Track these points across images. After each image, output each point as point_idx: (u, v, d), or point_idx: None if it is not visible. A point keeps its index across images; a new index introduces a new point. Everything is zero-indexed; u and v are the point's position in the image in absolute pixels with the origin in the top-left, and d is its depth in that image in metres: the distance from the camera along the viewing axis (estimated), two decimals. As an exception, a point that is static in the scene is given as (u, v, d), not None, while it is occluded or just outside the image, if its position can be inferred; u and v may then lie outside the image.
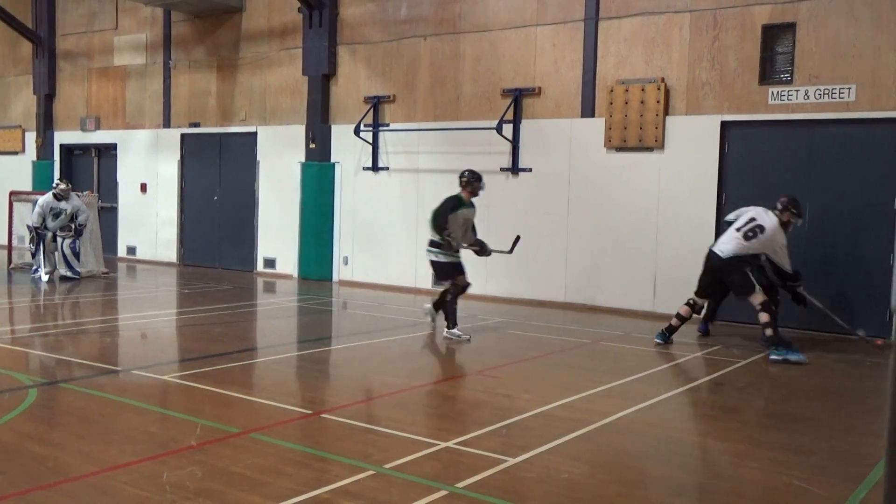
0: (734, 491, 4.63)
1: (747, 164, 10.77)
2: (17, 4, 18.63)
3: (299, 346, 9.22)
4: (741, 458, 5.22)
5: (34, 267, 13.99)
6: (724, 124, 10.86)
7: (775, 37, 10.56)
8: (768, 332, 8.50)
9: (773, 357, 8.39)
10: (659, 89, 11.17)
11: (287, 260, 15.18)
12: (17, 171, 19.26)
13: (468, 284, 9.58)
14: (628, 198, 11.48)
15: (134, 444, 5.15)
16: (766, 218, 8.78)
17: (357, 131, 13.90)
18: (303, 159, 14.79)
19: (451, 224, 9.34)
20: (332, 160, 14.55)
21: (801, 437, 5.86)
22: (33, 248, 13.95)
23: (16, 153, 19.77)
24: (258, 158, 15.60)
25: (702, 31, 10.98)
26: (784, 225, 8.80)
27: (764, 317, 8.50)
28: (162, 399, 6.52)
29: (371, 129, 13.99)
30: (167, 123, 17.01)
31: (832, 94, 10.12)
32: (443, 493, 4.37)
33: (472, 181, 9.51)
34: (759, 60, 10.59)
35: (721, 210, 10.91)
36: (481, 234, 9.68)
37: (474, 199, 9.66)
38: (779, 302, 9.23)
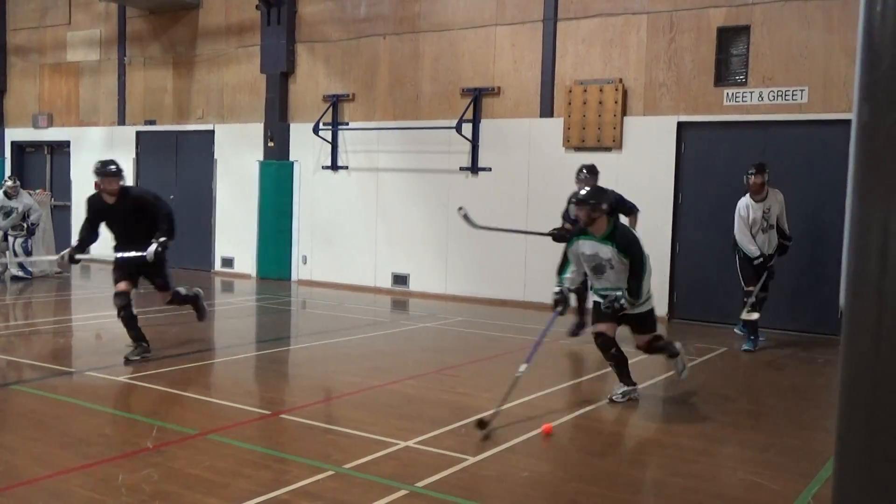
0: (691, 487, 4.70)
1: (703, 164, 10.93)
2: (-35, -2, 18.22)
3: (258, 347, 9.15)
4: (697, 455, 5.30)
5: (-16, 267, 13.69)
6: (680, 125, 11.00)
7: (730, 39, 10.72)
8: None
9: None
10: (617, 90, 11.28)
11: (245, 259, 15.04)
12: (-34, 168, 18.82)
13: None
14: (587, 197, 11.55)
15: (88, 447, 5.07)
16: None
17: (316, 130, 13.81)
18: (261, 158, 14.66)
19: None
20: (291, 159, 14.45)
21: (755, 434, 5.96)
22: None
23: (-35, 150, 19.33)
24: (216, 157, 15.42)
25: (658, 32, 11.11)
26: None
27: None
28: (117, 400, 6.42)
29: (330, 127, 13.91)
30: (122, 121, 16.73)
31: (785, 95, 10.30)
32: (403, 492, 4.37)
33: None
34: (715, 62, 10.74)
35: (678, 209, 11.06)
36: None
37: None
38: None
